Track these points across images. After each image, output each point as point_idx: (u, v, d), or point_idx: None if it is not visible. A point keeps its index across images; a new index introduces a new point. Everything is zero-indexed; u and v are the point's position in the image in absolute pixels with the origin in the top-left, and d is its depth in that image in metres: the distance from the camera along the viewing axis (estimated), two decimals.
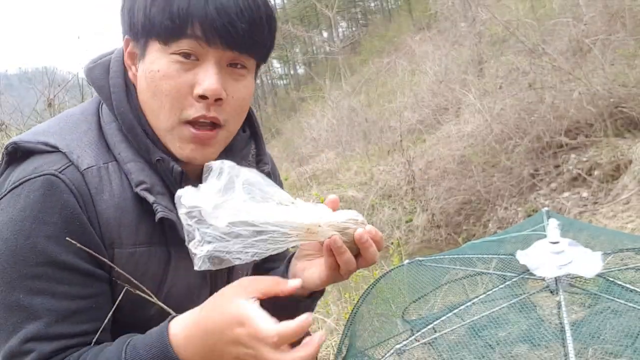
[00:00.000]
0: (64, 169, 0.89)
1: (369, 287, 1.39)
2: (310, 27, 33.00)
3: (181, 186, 0.92)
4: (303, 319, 0.77)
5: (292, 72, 38.41)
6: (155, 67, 0.90)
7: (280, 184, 1.31)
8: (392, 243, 5.66)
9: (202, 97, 0.90)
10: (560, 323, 0.96)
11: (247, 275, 1.13)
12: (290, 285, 0.83)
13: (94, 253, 0.89)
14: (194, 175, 1.00)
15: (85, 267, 0.89)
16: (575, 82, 5.85)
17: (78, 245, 0.87)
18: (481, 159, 6.42)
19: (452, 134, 7.51)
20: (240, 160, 1.07)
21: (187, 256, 0.95)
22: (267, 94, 36.26)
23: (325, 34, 32.33)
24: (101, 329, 0.92)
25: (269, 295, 0.82)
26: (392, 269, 1.38)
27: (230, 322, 0.79)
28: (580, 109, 5.71)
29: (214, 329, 0.82)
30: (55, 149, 0.91)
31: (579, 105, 5.70)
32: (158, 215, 0.90)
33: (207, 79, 0.89)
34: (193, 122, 0.92)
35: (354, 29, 35.49)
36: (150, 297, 0.95)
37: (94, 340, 0.90)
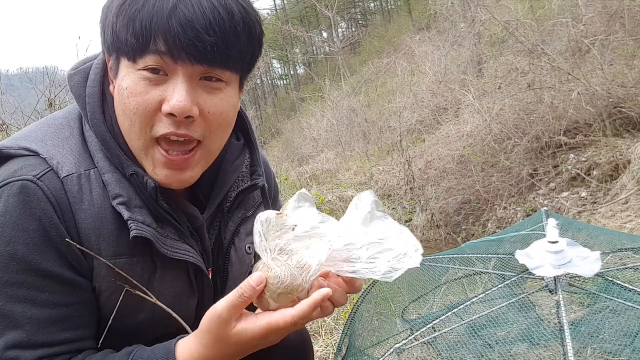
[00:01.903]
0: (42, 175, 0.87)
1: (368, 286, 1.39)
2: (311, 27, 32.96)
3: (157, 200, 0.92)
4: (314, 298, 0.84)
5: (292, 72, 38.37)
6: (125, 84, 0.87)
7: (276, 192, 1.28)
8: None
9: (171, 114, 0.85)
10: (559, 322, 0.97)
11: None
12: (253, 284, 0.81)
13: (92, 253, 0.88)
14: (172, 190, 0.97)
15: (67, 275, 0.87)
16: (574, 83, 5.85)
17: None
18: (480, 159, 6.43)
19: (451, 134, 7.52)
20: (232, 174, 1.05)
21: (173, 266, 0.96)
22: (267, 94, 36.25)
23: (325, 35, 32.35)
24: (100, 337, 0.91)
25: (244, 306, 0.83)
26: None
27: (243, 348, 0.85)
28: (579, 109, 5.71)
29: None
30: (35, 154, 0.89)
31: (578, 105, 5.71)
32: (132, 234, 0.88)
33: (175, 95, 0.84)
34: (164, 139, 0.88)
35: (353, 29, 35.50)
36: (151, 297, 0.95)
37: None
